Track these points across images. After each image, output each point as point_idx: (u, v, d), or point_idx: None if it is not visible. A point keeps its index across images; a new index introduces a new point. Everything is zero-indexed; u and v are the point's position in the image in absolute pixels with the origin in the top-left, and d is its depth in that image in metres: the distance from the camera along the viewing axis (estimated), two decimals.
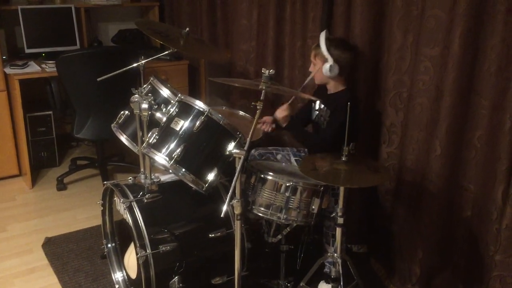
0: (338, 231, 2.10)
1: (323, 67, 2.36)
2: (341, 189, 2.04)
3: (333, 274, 2.14)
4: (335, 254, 2.13)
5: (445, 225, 2.30)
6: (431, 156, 2.24)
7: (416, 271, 2.41)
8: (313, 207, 2.13)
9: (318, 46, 2.40)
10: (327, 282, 2.36)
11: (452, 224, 2.29)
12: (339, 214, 2.07)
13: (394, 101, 2.45)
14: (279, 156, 2.64)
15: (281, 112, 2.43)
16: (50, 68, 3.42)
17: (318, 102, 2.51)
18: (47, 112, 3.70)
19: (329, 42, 2.36)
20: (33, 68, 3.45)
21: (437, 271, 2.39)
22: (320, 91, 2.56)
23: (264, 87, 1.87)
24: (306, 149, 2.68)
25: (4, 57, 3.53)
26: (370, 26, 2.46)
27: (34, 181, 3.61)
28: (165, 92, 2.29)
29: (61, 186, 3.53)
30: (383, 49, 2.48)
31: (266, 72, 1.90)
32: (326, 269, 2.40)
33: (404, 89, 2.40)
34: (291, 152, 2.67)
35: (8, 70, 3.40)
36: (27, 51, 3.68)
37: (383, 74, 2.49)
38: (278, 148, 2.70)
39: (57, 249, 2.81)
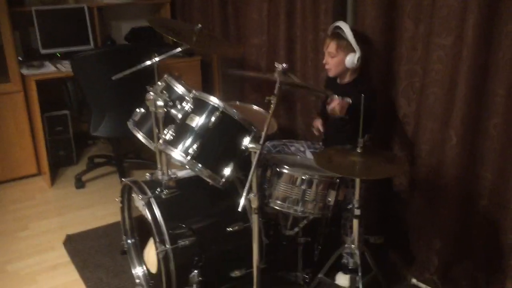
0: (355, 222, 2.11)
1: (348, 58, 2.34)
2: (357, 181, 2.05)
3: (351, 265, 2.16)
4: (353, 245, 2.14)
5: (462, 214, 2.29)
6: (447, 146, 2.23)
7: (434, 261, 2.41)
8: (329, 199, 2.14)
9: (339, 37, 2.36)
10: (345, 273, 2.37)
11: (469, 213, 2.28)
12: (356, 205, 2.08)
13: (406, 91, 2.44)
14: (292, 148, 2.65)
15: (341, 105, 2.20)
16: (65, 68, 3.47)
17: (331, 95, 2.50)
18: (63, 112, 3.75)
19: (353, 31, 2.35)
20: (48, 69, 3.50)
21: (455, 260, 2.39)
22: (330, 82, 2.56)
23: (279, 82, 1.88)
24: (320, 143, 2.68)
25: (20, 58, 3.58)
26: (382, 16, 2.45)
27: (53, 179, 3.67)
28: (179, 88, 2.31)
29: (80, 184, 3.59)
30: (394, 39, 2.47)
31: (279, 66, 1.92)
32: (344, 260, 2.41)
33: (416, 78, 2.39)
34: (306, 145, 2.68)
35: (24, 71, 3.45)
36: (42, 51, 3.73)
37: (395, 64, 2.48)
38: (292, 141, 2.71)
39: (78, 246, 2.86)
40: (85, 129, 3.55)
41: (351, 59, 2.34)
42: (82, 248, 2.84)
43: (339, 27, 2.40)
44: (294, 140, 2.72)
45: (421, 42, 2.33)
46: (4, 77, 3.43)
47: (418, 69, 2.37)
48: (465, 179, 2.24)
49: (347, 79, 2.45)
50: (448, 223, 2.33)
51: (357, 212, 2.09)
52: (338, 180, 2.14)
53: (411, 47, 2.37)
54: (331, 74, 2.46)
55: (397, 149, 2.53)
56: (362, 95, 2.00)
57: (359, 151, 2.00)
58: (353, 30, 2.38)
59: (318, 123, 2.65)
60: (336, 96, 2.20)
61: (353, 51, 2.34)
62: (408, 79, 2.42)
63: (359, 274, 2.14)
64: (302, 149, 2.65)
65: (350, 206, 2.29)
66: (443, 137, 2.26)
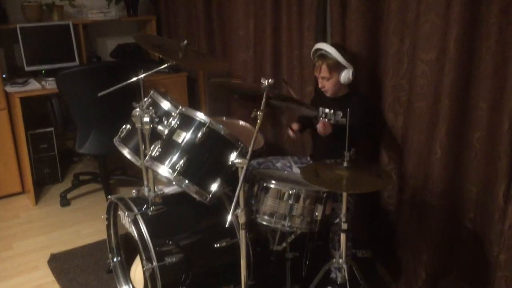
0: (343, 236, 2.11)
1: (342, 76, 2.37)
2: (344, 195, 2.05)
3: (339, 280, 2.15)
4: (341, 260, 2.14)
5: (449, 227, 2.31)
6: (432, 159, 2.26)
7: (421, 274, 2.42)
8: (317, 213, 2.14)
9: (326, 58, 2.37)
10: None
11: (456, 226, 2.30)
12: (343, 219, 2.08)
13: (393, 105, 2.47)
14: (278, 164, 2.65)
15: (327, 127, 2.37)
16: (50, 85, 3.45)
17: (320, 109, 2.51)
18: (48, 129, 3.72)
19: (338, 49, 2.37)
20: (33, 86, 3.48)
21: (443, 273, 2.39)
22: (318, 97, 2.58)
23: (266, 95, 1.89)
24: (308, 158, 2.69)
25: (4, 75, 3.56)
26: (366, 33, 2.49)
27: (38, 197, 3.63)
28: (165, 104, 2.31)
29: (65, 202, 3.55)
30: (380, 54, 2.50)
31: (265, 81, 1.93)
32: (332, 275, 2.40)
33: (402, 93, 2.43)
34: (292, 160, 2.69)
35: (8, 89, 3.42)
36: (27, 69, 3.71)
37: (381, 79, 2.51)
38: (277, 157, 2.71)
39: (63, 265, 2.82)
40: (70, 146, 3.54)
41: (346, 76, 2.38)
42: (68, 267, 2.79)
43: (321, 49, 2.41)
44: (280, 157, 2.73)
45: (406, 57, 2.36)
46: None
47: (404, 84, 2.41)
48: (451, 192, 2.26)
49: (340, 93, 2.48)
50: (435, 236, 2.34)
51: (344, 226, 2.09)
52: (325, 195, 2.14)
53: (396, 61, 2.41)
54: (329, 95, 2.48)
55: (385, 163, 2.55)
56: (348, 109, 2.03)
57: (345, 165, 2.01)
58: (335, 46, 2.41)
59: (294, 125, 2.59)
60: (321, 118, 2.39)
61: (345, 67, 2.37)
62: (394, 94, 2.45)
63: None
64: (288, 164, 2.66)
65: (338, 220, 2.30)
66: (429, 150, 2.28)
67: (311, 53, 2.52)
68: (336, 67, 2.37)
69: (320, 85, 2.47)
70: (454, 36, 2.04)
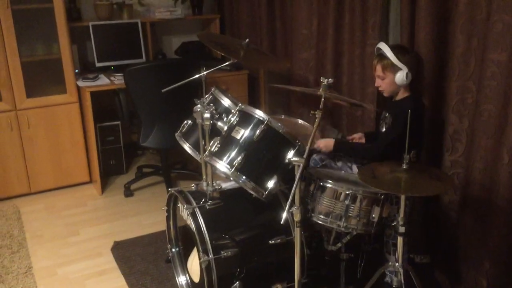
0: (400, 240, 2.07)
1: (397, 77, 2.33)
2: (402, 197, 2.01)
3: (394, 284, 2.11)
4: (397, 264, 2.10)
5: None
6: (499, 165, 2.16)
7: (482, 283, 2.32)
8: (373, 215, 2.11)
9: (382, 58, 2.36)
10: None
11: None
12: (401, 223, 2.04)
13: (457, 107, 2.38)
14: (339, 163, 2.63)
15: (324, 143, 2.49)
16: (118, 80, 3.61)
17: (383, 113, 2.49)
18: (115, 122, 3.89)
19: (394, 50, 2.34)
20: (103, 81, 3.65)
21: (505, 283, 2.29)
22: (385, 99, 2.54)
23: (323, 94, 1.89)
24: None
25: (76, 70, 3.76)
26: (434, 32, 2.41)
27: (103, 187, 3.80)
28: (226, 102, 2.36)
29: (128, 192, 3.70)
30: (446, 54, 2.42)
31: (325, 81, 1.92)
32: (387, 279, 2.36)
33: (468, 95, 2.34)
34: (353, 160, 2.66)
35: (80, 83, 3.61)
36: (98, 64, 3.90)
37: (446, 80, 2.43)
38: (339, 155, 2.69)
39: (125, 253, 2.94)
40: (135, 139, 3.67)
41: (401, 77, 2.32)
42: (129, 255, 2.92)
43: (380, 49, 2.39)
44: (341, 155, 2.70)
45: (474, 58, 2.27)
46: (62, 88, 3.60)
47: (470, 85, 2.32)
48: None
49: (399, 96, 2.43)
50: (499, 245, 2.24)
51: (401, 229, 2.05)
52: (382, 197, 2.11)
53: (463, 62, 2.32)
54: (386, 94, 2.46)
55: (448, 167, 2.46)
56: (409, 111, 1.98)
57: (404, 167, 1.97)
58: (393, 47, 2.36)
59: (356, 135, 2.69)
60: (320, 138, 2.52)
61: (399, 69, 2.32)
62: (460, 95, 2.36)
63: None
64: (349, 164, 2.63)
65: (394, 223, 2.25)
66: (496, 156, 2.18)
67: (375, 52, 2.48)
68: (390, 68, 2.33)
69: (376, 84, 2.44)
70: None
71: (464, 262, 2.45)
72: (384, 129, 2.45)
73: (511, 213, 2.17)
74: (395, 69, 2.33)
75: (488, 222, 2.27)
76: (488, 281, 2.30)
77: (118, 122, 3.89)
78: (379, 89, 2.45)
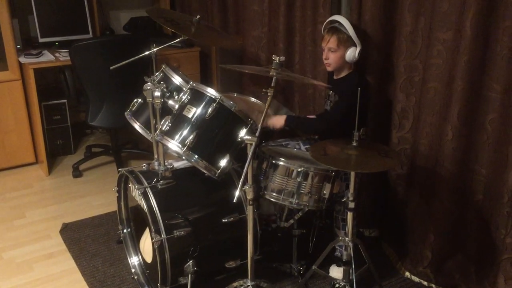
0: (349, 215, 2.12)
1: (348, 53, 2.34)
2: (352, 174, 2.06)
3: (344, 258, 2.18)
4: (346, 238, 2.16)
5: (457, 209, 2.31)
6: (443, 141, 2.24)
7: (427, 254, 2.43)
8: (324, 192, 2.15)
9: (339, 31, 2.34)
10: (339, 266, 2.39)
11: (464, 208, 2.30)
12: (350, 198, 2.10)
13: (405, 85, 2.44)
14: (288, 146, 2.66)
15: (276, 120, 2.47)
16: (63, 57, 3.46)
17: (330, 91, 2.51)
18: (61, 101, 3.75)
19: (352, 26, 2.34)
20: (47, 57, 3.50)
21: (449, 255, 2.41)
22: (329, 77, 2.56)
23: (274, 74, 1.89)
24: (316, 137, 2.69)
25: (18, 46, 3.58)
26: (382, 11, 2.45)
27: (50, 168, 3.68)
28: (177, 79, 2.32)
29: (77, 173, 3.60)
30: (394, 33, 2.47)
31: (276, 59, 1.92)
32: (337, 253, 2.43)
33: (416, 73, 2.40)
34: (302, 142, 2.69)
35: (22, 60, 3.45)
36: (41, 40, 3.72)
37: (394, 58, 2.48)
38: (287, 139, 2.71)
39: (75, 235, 2.88)
40: (83, 118, 3.56)
41: (352, 53, 2.34)
42: (79, 237, 2.85)
43: (336, 21, 2.39)
44: (289, 139, 2.72)
45: (421, 37, 2.33)
46: (2, 65, 3.43)
47: (417, 64, 2.38)
48: (460, 174, 2.25)
49: (343, 73, 2.45)
50: (443, 217, 2.34)
51: (351, 205, 2.10)
52: (333, 173, 2.15)
53: (410, 41, 2.37)
54: (330, 68, 2.44)
55: (395, 143, 2.54)
56: (359, 89, 2.01)
57: (354, 145, 2.01)
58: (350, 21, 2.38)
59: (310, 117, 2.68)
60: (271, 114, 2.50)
61: (354, 45, 2.34)
62: (407, 73, 2.42)
63: (353, 266, 2.16)
64: (297, 147, 2.66)
65: (344, 199, 2.31)
66: (441, 132, 2.27)
67: (324, 24, 2.48)
68: (345, 42, 2.33)
69: (324, 56, 2.42)
70: (471, 16, 2.00)
71: (411, 235, 2.55)
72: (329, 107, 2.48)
73: (454, 187, 2.28)
74: (349, 44, 2.34)
75: (433, 196, 2.37)
76: (433, 252, 2.41)
77: (65, 101, 3.76)
78: (326, 62, 2.43)
